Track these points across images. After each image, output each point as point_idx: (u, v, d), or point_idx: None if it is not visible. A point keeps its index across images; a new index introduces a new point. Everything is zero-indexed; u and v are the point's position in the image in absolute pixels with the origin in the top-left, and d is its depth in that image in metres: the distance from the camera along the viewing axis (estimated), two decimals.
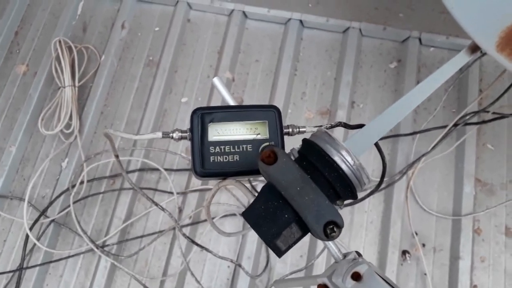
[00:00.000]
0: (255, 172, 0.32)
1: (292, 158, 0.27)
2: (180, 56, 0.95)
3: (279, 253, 0.26)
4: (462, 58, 0.62)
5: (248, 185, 0.68)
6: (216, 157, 0.32)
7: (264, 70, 0.94)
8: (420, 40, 0.93)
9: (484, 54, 0.86)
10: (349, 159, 0.25)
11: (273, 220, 0.25)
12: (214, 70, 0.94)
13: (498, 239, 0.80)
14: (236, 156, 0.32)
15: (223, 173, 0.32)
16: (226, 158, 0.32)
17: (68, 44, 0.91)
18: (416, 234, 0.80)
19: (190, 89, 0.92)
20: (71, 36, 0.97)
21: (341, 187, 0.26)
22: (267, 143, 0.32)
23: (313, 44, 0.96)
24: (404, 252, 0.79)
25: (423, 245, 0.80)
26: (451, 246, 0.80)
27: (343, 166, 0.25)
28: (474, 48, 0.63)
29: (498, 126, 0.87)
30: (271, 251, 0.79)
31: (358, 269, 0.27)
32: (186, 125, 0.83)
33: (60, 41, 0.89)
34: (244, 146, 0.32)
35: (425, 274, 0.78)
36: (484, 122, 0.84)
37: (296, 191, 0.24)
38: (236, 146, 0.32)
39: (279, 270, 0.79)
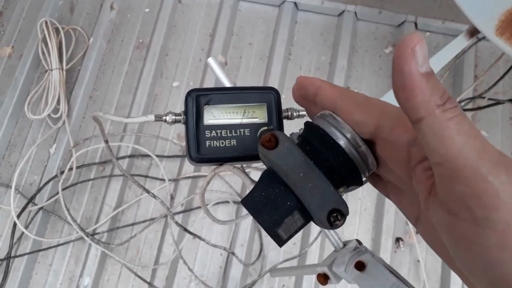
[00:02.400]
0: (253, 157, 0.30)
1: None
2: (171, 39, 0.93)
3: (280, 242, 0.24)
4: (460, 42, 0.61)
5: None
6: (212, 141, 0.30)
7: (257, 53, 0.91)
8: (416, 24, 0.91)
9: (480, 39, 0.85)
10: (355, 143, 0.24)
11: (274, 207, 0.24)
12: (206, 53, 0.91)
13: None
14: (233, 141, 0.30)
15: (220, 158, 0.30)
16: (222, 143, 0.30)
17: (55, 25, 0.88)
18: None
19: (182, 73, 0.90)
20: (58, 17, 0.93)
21: (346, 173, 0.24)
22: (266, 127, 0.31)
23: (308, 28, 0.94)
24: (398, 239, 0.79)
25: (417, 232, 0.80)
26: None
27: (349, 151, 0.24)
28: (473, 32, 0.62)
29: (493, 113, 0.86)
30: (264, 239, 0.79)
31: (362, 259, 0.26)
32: (178, 110, 0.80)
33: (46, 22, 0.86)
34: (242, 130, 0.30)
35: (418, 261, 0.78)
36: (479, 108, 0.83)
37: (299, 177, 0.23)
38: (233, 130, 0.30)
39: (272, 257, 0.79)
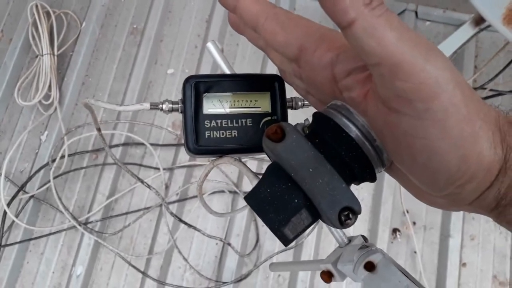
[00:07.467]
0: (255, 149, 0.29)
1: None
2: (166, 25, 0.90)
3: (286, 241, 0.23)
4: (466, 31, 0.60)
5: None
6: (211, 132, 0.28)
7: None
8: (416, 13, 0.90)
9: (483, 29, 0.83)
10: (370, 137, 0.22)
11: (281, 205, 0.22)
12: (202, 40, 0.89)
13: (488, 217, 0.79)
14: (234, 132, 0.29)
15: (220, 150, 0.29)
16: (223, 134, 0.28)
17: (46, 9, 0.85)
18: (407, 212, 0.79)
19: (177, 60, 0.88)
20: (49, 0, 0.90)
21: (359, 168, 0.23)
22: (269, 118, 0.29)
23: (306, 15, 0.91)
24: (395, 230, 0.78)
25: (414, 223, 0.79)
26: (441, 224, 0.79)
27: (363, 145, 0.22)
28: (478, 21, 0.61)
29: (494, 104, 0.85)
30: (260, 229, 0.78)
31: (372, 259, 0.24)
32: (173, 98, 0.78)
33: (37, 6, 0.83)
34: (243, 120, 0.29)
35: (415, 252, 0.77)
36: None
37: (308, 173, 0.21)
38: (234, 120, 0.29)
39: (268, 247, 0.78)
